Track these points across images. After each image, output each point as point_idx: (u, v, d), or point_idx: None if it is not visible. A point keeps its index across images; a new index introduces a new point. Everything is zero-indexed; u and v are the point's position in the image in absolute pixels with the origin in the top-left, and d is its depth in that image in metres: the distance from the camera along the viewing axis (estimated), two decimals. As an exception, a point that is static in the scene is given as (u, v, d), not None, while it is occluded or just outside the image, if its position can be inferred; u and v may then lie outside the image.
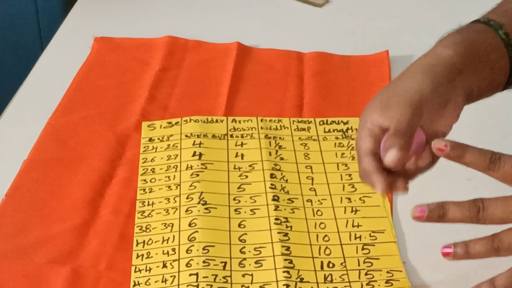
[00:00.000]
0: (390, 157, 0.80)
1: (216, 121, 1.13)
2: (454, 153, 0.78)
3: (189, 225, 0.95)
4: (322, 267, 0.90)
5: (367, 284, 0.88)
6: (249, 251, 0.92)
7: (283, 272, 0.88)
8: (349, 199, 0.99)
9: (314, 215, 0.97)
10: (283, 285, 0.87)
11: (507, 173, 0.78)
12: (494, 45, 0.86)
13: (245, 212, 0.97)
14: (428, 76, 0.83)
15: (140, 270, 0.89)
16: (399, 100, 0.81)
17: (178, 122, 1.12)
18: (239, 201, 0.99)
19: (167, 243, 0.93)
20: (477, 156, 0.78)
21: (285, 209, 0.97)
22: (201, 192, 0.99)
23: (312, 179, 1.03)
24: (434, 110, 0.82)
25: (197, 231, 0.94)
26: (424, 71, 0.83)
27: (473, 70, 0.85)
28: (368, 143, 0.82)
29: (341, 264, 0.90)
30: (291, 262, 0.90)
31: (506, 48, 0.86)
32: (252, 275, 0.89)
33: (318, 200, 0.99)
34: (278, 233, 0.94)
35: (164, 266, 0.90)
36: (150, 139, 1.10)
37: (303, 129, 1.12)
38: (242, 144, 1.08)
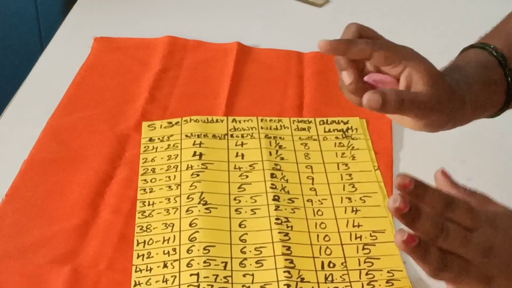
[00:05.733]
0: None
1: (216, 121, 1.13)
2: (416, 191, 0.72)
3: (190, 225, 0.95)
4: (322, 267, 0.90)
5: (367, 284, 0.88)
6: (250, 251, 0.92)
7: (284, 272, 0.88)
8: (349, 199, 0.99)
9: (314, 215, 0.97)
10: (284, 285, 0.87)
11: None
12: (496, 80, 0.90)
13: (245, 212, 0.97)
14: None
15: (140, 270, 0.89)
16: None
17: (178, 122, 1.12)
18: (240, 201, 0.99)
19: (168, 243, 0.93)
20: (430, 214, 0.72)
21: (285, 209, 0.97)
22: (202, 192, 0.99)
23: (313, 179, 1.03)
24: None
25: (197, 231, 0.93)
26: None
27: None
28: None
29: (342, 264, 0.90)
30: (291, 262, 0.90)
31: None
32: (253, 275, 0.89)
33: (319, 200, 0.99)
34: (279, 233, 0.94)
35: (165, 266, 0.90)
36: (150, 139, 1.10)
37: (303, 129, 1.12)
38: (242, 144, 1.08)
